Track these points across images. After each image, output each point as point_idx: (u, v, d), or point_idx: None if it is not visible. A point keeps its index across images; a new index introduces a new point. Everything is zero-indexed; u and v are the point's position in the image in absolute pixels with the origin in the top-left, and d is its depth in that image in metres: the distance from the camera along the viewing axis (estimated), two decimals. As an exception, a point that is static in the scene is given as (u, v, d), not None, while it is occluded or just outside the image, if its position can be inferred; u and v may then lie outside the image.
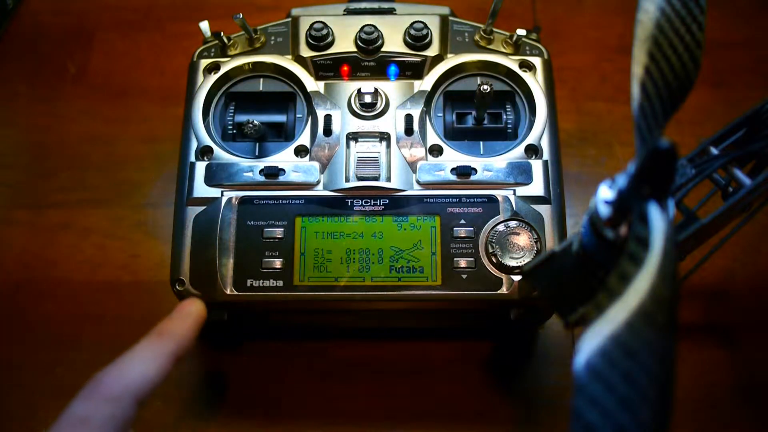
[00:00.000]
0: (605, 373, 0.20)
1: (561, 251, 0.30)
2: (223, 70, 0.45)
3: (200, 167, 0.42)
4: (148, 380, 0.31)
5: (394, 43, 0.45)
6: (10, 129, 0.55)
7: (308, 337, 0.46)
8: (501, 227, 0.40)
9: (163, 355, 0.32)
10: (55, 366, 0.45)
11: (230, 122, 0.44)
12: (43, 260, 0.49)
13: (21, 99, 0.57)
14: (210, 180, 0.41)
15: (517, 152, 0.42)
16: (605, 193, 0.25)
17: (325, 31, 0.45)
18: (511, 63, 0.44)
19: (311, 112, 0.43)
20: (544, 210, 0.40)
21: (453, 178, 0.41)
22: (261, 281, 0.39)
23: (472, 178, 0.41)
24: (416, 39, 0.45)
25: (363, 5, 0.47)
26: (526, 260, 0.39)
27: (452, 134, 0.44)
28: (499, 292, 0.39)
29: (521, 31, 0.45)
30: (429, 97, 0.44)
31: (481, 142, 0.43)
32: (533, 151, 0.42)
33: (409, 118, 0.43)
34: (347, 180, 0.41)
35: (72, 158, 0.53)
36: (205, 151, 0.42)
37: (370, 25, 0.45)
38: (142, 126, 0.55)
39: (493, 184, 0.41)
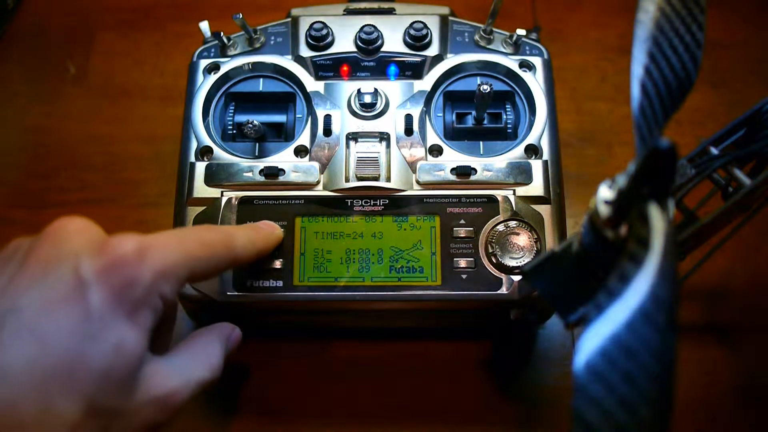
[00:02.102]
0: (605, 373, 0.20)
1: (561, 251, 0.30)
2: (223, 70, 0.45)
3: (200, 167, 0.42)
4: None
5: (393, 43, 0.45)
6: (10, 129, 0.55)
7: (308, 337, 0.46)
8: (501, 227, 0.40)
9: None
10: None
11: (230, 122, 0.44)
12: (43, 260, 0.49)
13: (21, 99, 0.57)
14: (210, 180, 0.41)
15: (517, 152, 0.42)
16: (605, 193, 0.25)
17: (324, 31, 0.45)
18: (511, 63, 0.45)
19: (311, 112, 0.43)
20: (544, 210, 0.40)
21: (453, 178, 0.41)
22: (261, 281, 0.39)
23: (472, 178, 0.41)
24: (416, 39, 0.45)
25: (363, 5, 0.48)
26: (526, 260, 0.39)
27: (452, 134, 0.44)
28: (498, 292, 0.39)
29: (521, 31, 0.45)
30: (429, 97, 0.44)
31: (481, 142, 0.43)
32: (533, 151, 0.42)
33: (408, 118, 0.43)
34: (347, 180, 0.41)
35: (72, 158, 0.53)
36: (205, 152, 0.42)
37: (369, 25, 0.45)
38: (142, 126, 0.55)
39: (493, 184, 0.41)
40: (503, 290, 0.39)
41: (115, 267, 0.26)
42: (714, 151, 0.33)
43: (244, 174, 0.41)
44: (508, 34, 0.46)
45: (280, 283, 0.39)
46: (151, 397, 0.27)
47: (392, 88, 0.44)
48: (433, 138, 0.43)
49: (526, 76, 0.44)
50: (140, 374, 0.27)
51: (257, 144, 0.43)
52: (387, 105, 0.43)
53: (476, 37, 0.46)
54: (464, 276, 0.39)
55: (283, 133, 0.44)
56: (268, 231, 0.38)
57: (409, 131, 0.42)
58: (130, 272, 0.26)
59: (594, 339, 0.21)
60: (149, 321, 0.27)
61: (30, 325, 0.24)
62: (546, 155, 0.42)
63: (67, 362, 0.25)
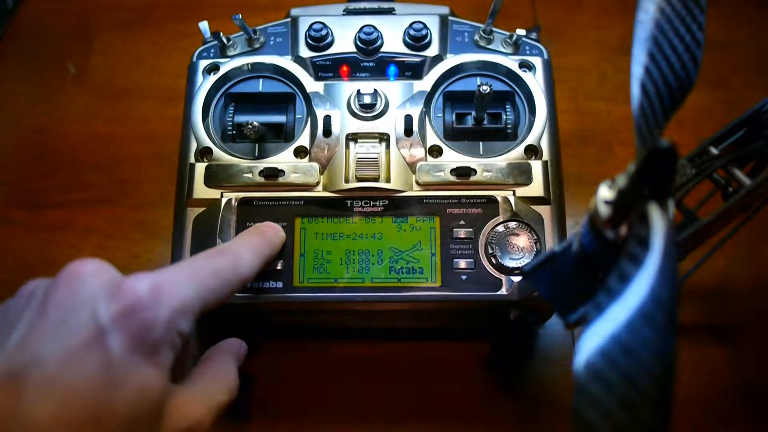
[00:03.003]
0: (605, 373, 0.20)
1: (561, 251, 0.30)
2: (223, 70, 0.45)
3: (200, 168, 0.42)
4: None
5: (393, 43, 0.45)
6: (10, 129, 0.55)
7: (308, 337, 0.46)
8: (500, 228, 0.40)
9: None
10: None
11: (230, 123, 0.44)
12: (43, 260, 0.49)
13: (21, 99, 0.57)
14: (210, 181, 0.41)
15: (517, 152, 0.42)
16: (605, 193, 0.25)
17: (324, 32, 0.45)
18: (511, 63, 0.44)
19: (311, 113, 0.43)
20: (544, 210, 0.40)
21: (452, 178, 0.41)
22: (261, 282, 0.39)
23: (472, 178, 0.41)
24: (416, 39, 0.45)
25: (362, 5, 0.47)
26: (526, 261, 0.39)
27: (452, 135, 0.44)
28: (498, 292, 0.39)
29: (521, 31, 0.45)
30: (428, 97, 0.44)
31: (481, 143, 0.43)
32: (533, 151, 0.42)
33: (408, 119, 0.43)
34: (347, 181, 0.41)
35: (72, 158, 0.53)
36: (204, 152, 0.42)
37: (369, 25, 0.45)
38: (142, 126, 0.55)
39: (492, 185, 0.41)
40: (503, 291, 0.39)
41: (131, 311, 0.26)
42: (714, 151, 0.33)
43: (244, 175, 0.41)
44: (508, 34, 0.46)
45: (280, 284, 0.39)
46: (177, 430, 0.28)
47: (392, 89, 0.44)
48: (432, 138, 0.43)
49: (526, 76, 0.44)
50: (165, 410, 0.27)
51: (257, 145, 0.43)
52: (387, 105, 0.43)
53: (476, 37, 0.46)
54: (464, 277, 0.39)
55: (282, 134, 0.44)
56: (273, 234, 0.38)
57: (408, 132, 0.42)
58: (147, 315, 0.26)
59: (594, 339, 0.21)
60: (169, 358, 0.27)
61: (54, 378, 0.24)
62: (546, 155, 0.42)
63: (93, 411, 0.25)
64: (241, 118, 0.43)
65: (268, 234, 0.38)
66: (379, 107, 0.43)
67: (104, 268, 0.28)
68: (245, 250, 0.34)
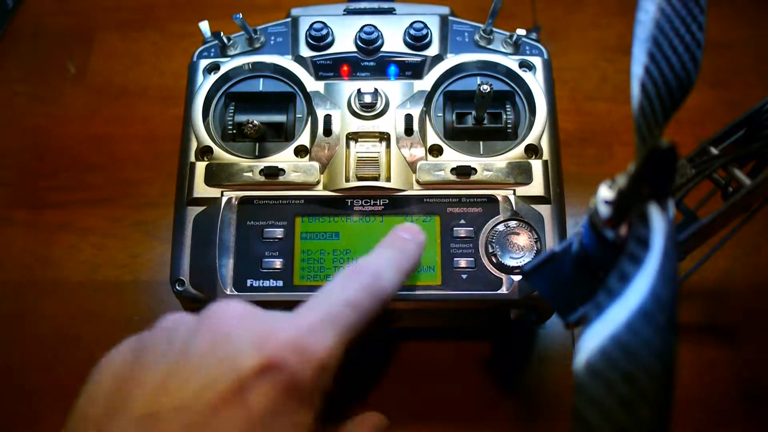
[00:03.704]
0: (605, 373, 0.20)
1: (561, 251, 0.30)
2: (223, 70, 0.45)
3: (200, 167, 0.42)
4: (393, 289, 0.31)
5: (394, 43, 0.45)
6: (10, 129, 0.55)
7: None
8: (501, 227, 0.40)
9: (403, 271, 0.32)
10: (55, 366, 0.45)
11: (230, 122, 0.44)
12: (43, 260, 0.49)
13: (21, 99, 0.57)
14: (210, 180, 0.41)
15: (517, 152, 0.42)
16: (605, 193, 0.25)
17: (324, 31, 0.45)
18: (511, 63, 0.44)
19: (311, 112, 0.43)
20: (544, 210, 0.40)
21: (453, 177, 0.41)
22: (261, 281, 0.39)
23: (472, 178, 0.41)
24: (416, 39, 0.45)
25: (363, 5, 0.48)
26: (526, 260, 0.39)
27: (452, 134, 0.44)
28: (498, 292, 0.39)
29: (521, 31, 0.45)
30: (429, 97, 0.44)
31: (481, 142, 0.43)
32: (533, 151, 0.42)
33: (409, 118, 0.43)
34: (347, 180, 0.41)
35: (72, 158, 0.53)
36: (205, 151, 0.42)
37: (370, 25, 0.45)
38: (142, 126, 0.55)
39: (493, 184, 0.41)
40: (503, 290, 0.39)
41: (274, 367, 0.25)
42: (714, 151, 0.33)
43: (244, 174, 0.41)
44: (508, 34, 0.46)
45: (280, 283, 0.39)
46: None
47: (392, 88, 0.44)
48: (433, 138, 0.43)
49: (526, 76, 0.44)
50: None
51: (257, 144, 0.43)
52: (387, 105, 0.43)
53: (476, 37, 0.46)
54: (464, 276, 0.39)
55: (283, 133, 0.44)
56: (414, 246, 0.34)
57: (409, 131, 0.42)
58: (291, 372, 0.25)
59: (594, 339, 0.21)
60: (309, 421, 0.27)
61: (199, 425, 0.24)
62: (546, 155, 0.42)
63: None
64: (241, 118, 0.43)
65: (408, 247, 0.34)
66: (380, 107, 0.43)
67: (248, 312, 0.28)
68: (384, 268, 0.31)
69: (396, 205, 0.41)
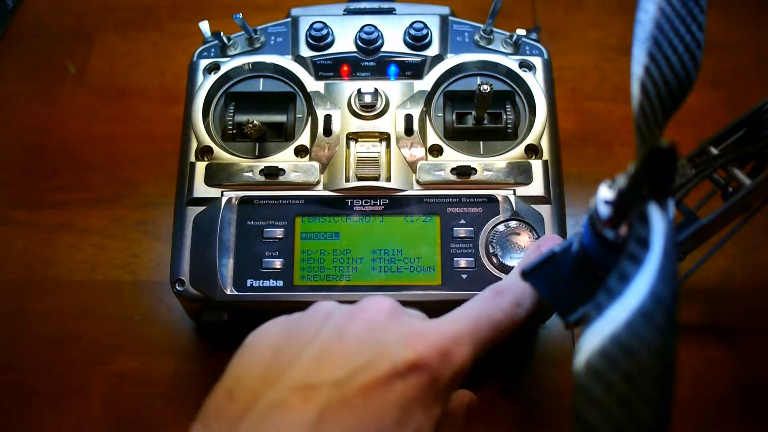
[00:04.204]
0: (605, 373, 0.20)
1: (561, 251, 0.30)
2: (223, 70, 0.45)
3: (200, 167, 0.42)
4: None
5: (394, 43, 0.45)
6: (10, 129, 0.55)
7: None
8: (501, 227, 0.40)
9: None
10: (55, 366, 0.45)
11: (230, 122, 0.44)
12: (43, 260, 0.49)
13: (21, 99, 0.57)
14: (210, 180, 0.41)
15: (517, 152, 0.42)
16: (605, 193, 0.25)
17: (325, 31, 0.45)
18: (511, 63, 0.45)
19: (311, 112, 0.43)
20: (544, 210, 0.40)
21: (453, 178, 0.41)
22: (261, 281, 0.39)
23: (472, 178, 0.41)
24: (416, 39, 0.45)
25: (363, 5, 0.48)
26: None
27: (452, 134, 0.44)
28: (499, 292, 0.39)
29: (521, 31, 0.45)
30: (429, 97, 0.44)
31: (481, 142, 0.43)
32: (533, 151, 0.42)
33: (409, 118, 0.43)
34: (347, 180, 0.41)
35: (72, 158, 0.53)
36: (205, 151, 0.42)
37: (370, 25, 0.45)
38: (142, 126, 0.55)
39: (493, 184, 0.41)
40: (503, 290, 0.39)
41: (422, 365, 0.27)
42: (714, 151, 0.33)
43: (244, 174, 0.41)
44: (508, 34, 0.46)
45: (280, 283, 0.39)
46: None
47: (392, 88, 0.44)
48: (433, 138, 0.43)
49: (526, 76, 0.44)
50: None
51: (257, 144, 0.43)
52: (387, 105, 0.43)
53: (476, 37, 0.46)
54: (464, 276, 0.39)
55: (283, 133, 0.44)
56: None
57: (409, 131, 0.42)
58: (433, 373, 0.27)
59: (594, 339, 0.21)
60: (439, 414, 0.28)
61: (353, 404, 0.26)
62: (546, 155, 0.42)
63: None
64: (241, 118, 0.43)
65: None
66: (380, 107, 0.43)
67: (400, 310, 0.30)
68: (526, 294, 0.32)
69: (396, 205, 0.41)
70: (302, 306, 0.39)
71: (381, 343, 0.28)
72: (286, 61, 0.45)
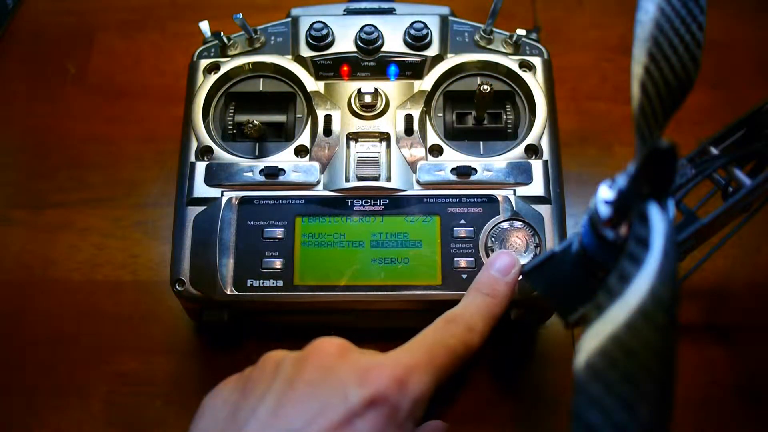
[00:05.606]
0: (605, 373, 0.20)
1: (561, 251, 0.30)
2: (223, 70, 0.45)
3: (200, 167, 0.42)
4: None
5: (394, 43, 0.45)
6: (10, 129, 0.55)
7: (308, 337, 0.46)
8: (501, 227, 0.40)
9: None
10: (55, 365, 0.45)
11: (230, 122, 0.44)
12: (43, 260, 0.49)
13: (21, 99, 0.57)
14: (210, 180, 0.41)
15: (517, 152, 0.42)
16: (605, 193, 0.25)
17: (325, 31, 0.45)
18: (511, 63, 0.45)
19: (311, 112, 0.43)
20: (544, 210, 0.40)
21: (453, 178, 0.41)
22: (261, 281, 0.39)
23: (472, 178, 0.41)
24: (416, 39, 0.45)
25: (363, 5, 0.48)
26: (526, 260, 0.39)
27: (452, 134, 0.44)
28: (499, 292, 0.39)
29: (521, 31, 0.45)
30: (429, 97, 0.44)
31: (481, 142, 0.43)
32: (533, 151, 0.42)
33: (409, 118, 0.43)
34: (347, 180, 0.41)
35: (72, 158, 0.53)
36: (205, 151, 0.42)
37: (370, 25, 0.45)
38: (142, 126, 0.54)
39: (493, 184, 0.41)
40: (503, 290, 0.39)
41: (379, 400, 0.28)
42: (714, 151, 0.33)
43: (245, 174, 0.41)
44: (508, 34, 0.46)
45: (280, 283, 0.39)
46: None
47: (392, 88, 0.44)
48: (433, 138, 0.43)
49: (526, 76, 0.44)
50: None
51: (257, 144, 0.43)
52: (387, 105, 0.43)
53: (476, 37, 0.46)
54: (464, 276, 0.39)
55: (283, 133, 0.44)
56: (505, 284, 0.35)
57: (409, 131, 0.42)
58: (392, 404, 0.28)
59: (594, 339, 0.21)
60: None
61: None
62: (546, 155, 0.42)
63: None
64: (241, 118, 0.43)
65: (499, 290, 0.35)
66: (380, 107, 0.43)
67: (348, 349, 0.30)
68: (477, 318, 0.33)
69: (396, 205, 0.41)
70: (302, 306, 0.40)
71: (334, 385, 0.28)
72: (286, 61, 0.45)
